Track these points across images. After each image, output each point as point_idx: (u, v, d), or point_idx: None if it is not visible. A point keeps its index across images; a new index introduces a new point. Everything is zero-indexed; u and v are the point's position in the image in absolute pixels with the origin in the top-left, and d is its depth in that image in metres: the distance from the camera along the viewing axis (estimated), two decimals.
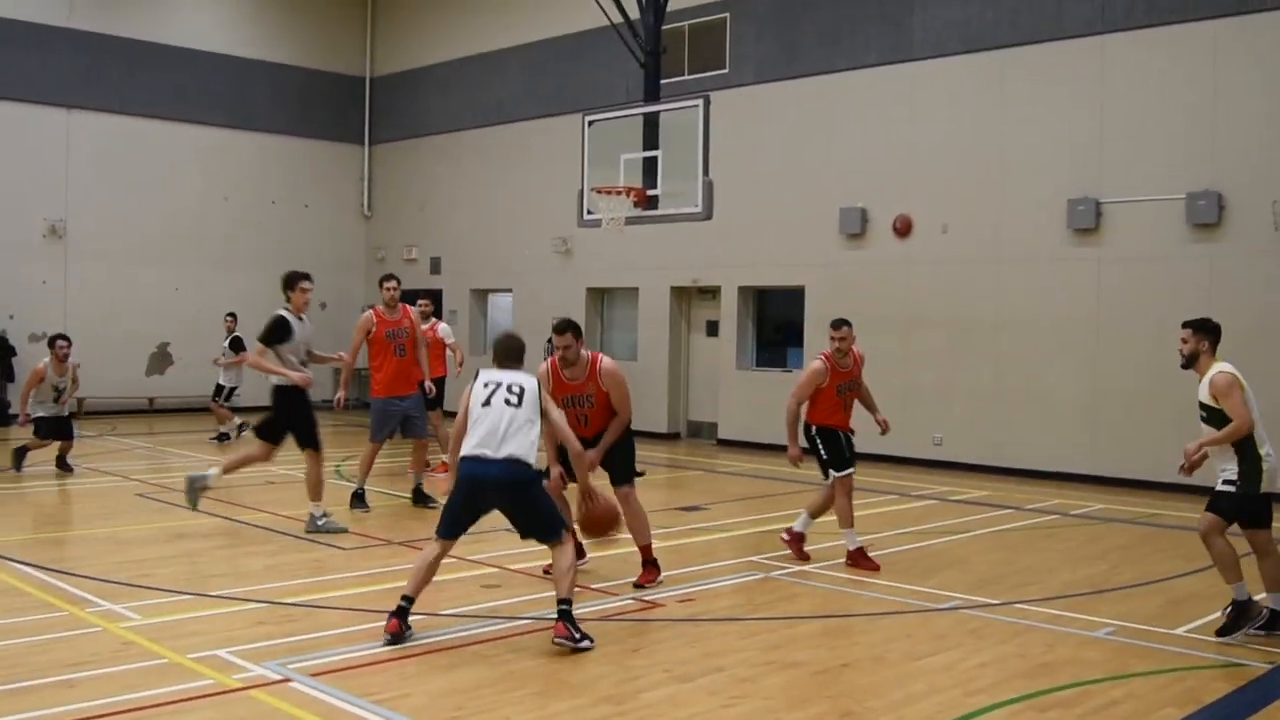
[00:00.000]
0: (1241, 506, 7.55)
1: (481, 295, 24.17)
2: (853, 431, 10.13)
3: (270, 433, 11.08)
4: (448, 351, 15.82)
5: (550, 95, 22.28)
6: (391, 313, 12.52)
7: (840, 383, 9.94)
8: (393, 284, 12.75)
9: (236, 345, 18.41)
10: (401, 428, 12.55)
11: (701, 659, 6.99)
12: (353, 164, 26.52)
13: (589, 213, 14.80)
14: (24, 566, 9.19)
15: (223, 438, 18.44)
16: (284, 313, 11.05)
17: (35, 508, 12.47)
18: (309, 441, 11.07)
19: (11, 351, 21.39)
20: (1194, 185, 14.50)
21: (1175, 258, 14.69)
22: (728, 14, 19.41)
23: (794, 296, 18.68)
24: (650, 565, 9.04)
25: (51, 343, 14.93)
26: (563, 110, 21.37)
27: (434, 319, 15.95)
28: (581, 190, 14.85)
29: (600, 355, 8.95)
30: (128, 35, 23.14)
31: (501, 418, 7.24)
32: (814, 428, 10.00)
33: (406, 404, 12.43)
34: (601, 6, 15.85)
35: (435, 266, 24.92)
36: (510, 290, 23.18)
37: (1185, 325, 7.93)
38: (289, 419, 11.03)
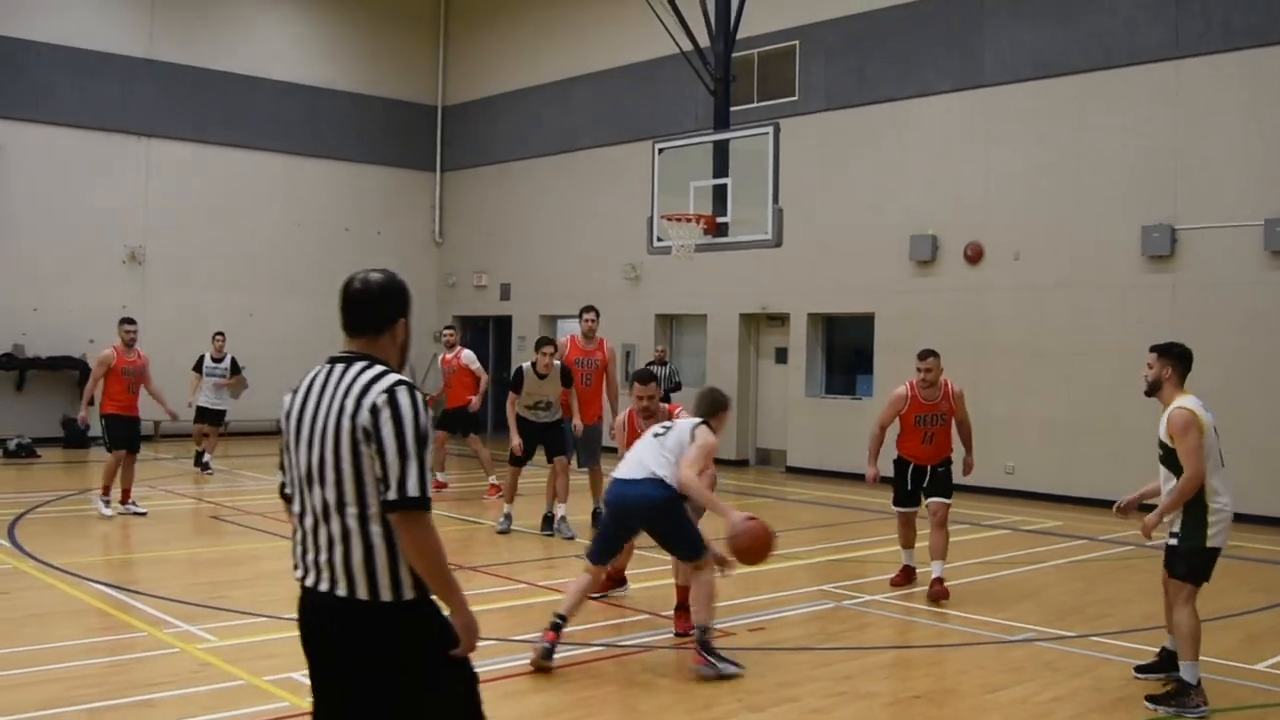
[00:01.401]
0: (1191, 564, 6.78)
1: (550, 321, 24.30)
2: (941, 465, 9.91)
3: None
4: (473, 379, 16.00)
5: (620, 123, 22.41)
6: (588, 343, 12.86)
7: (920, 413, 9.80)
8: (591, 315, 12.98)
9: (235, 366, 18.27)
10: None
11: (774, 688, 6.96)
12: (424, 191, 26.82)
13: (659, 240, 14.85)
14: (103, 587, 9.37)
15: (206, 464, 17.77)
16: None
17: (114, 529, 12.66)
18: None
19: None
20: (1272, 211, 14.27)
21: (1252, 284, 14.45)
22: (797, 41, 19.43)
23: (864, 324, 18.60)
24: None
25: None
26: (632, 138, 21.48)
27: (459, 347, 16.28)
28: (651, 217, 14.90)
29: (679, 407, 8.88)
30: (204, 65, 23.58)
31: (648, 445, 7.49)
32: (895, 455, 9.99)
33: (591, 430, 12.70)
34: (671, 34, 15.92)
35: (505, 293, 25.10)
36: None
37: (1152, 349, 7.46)
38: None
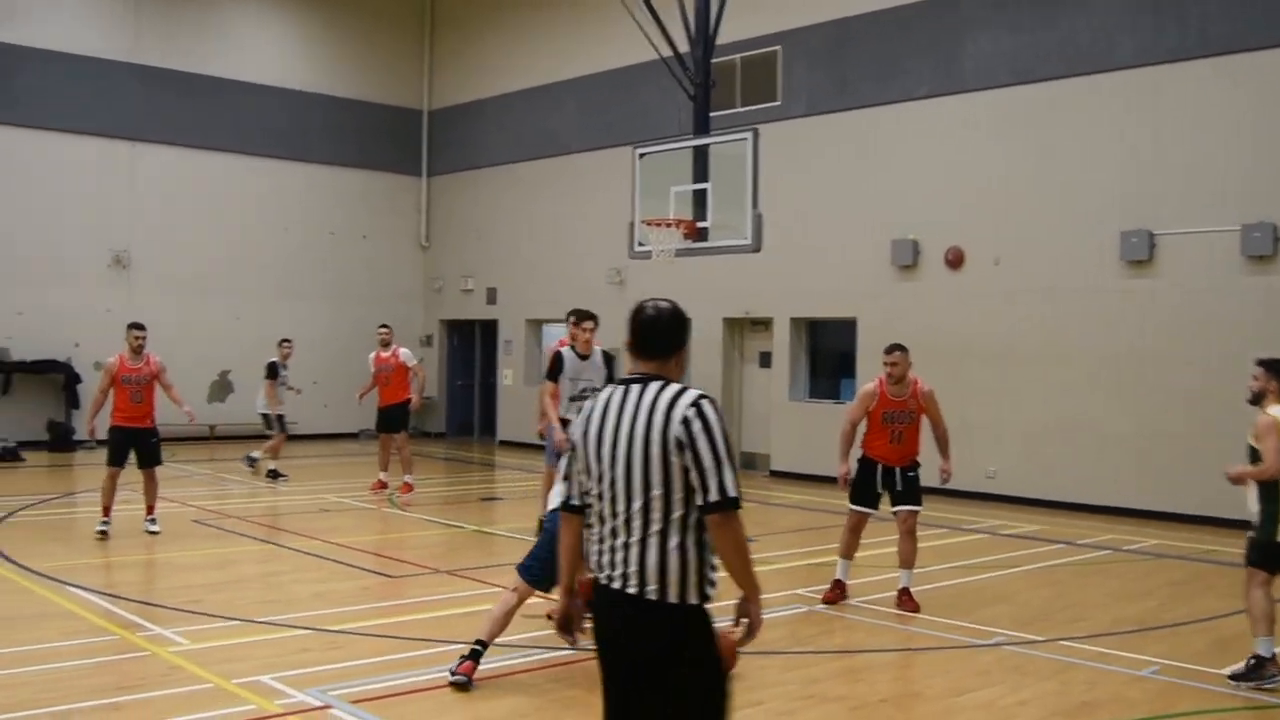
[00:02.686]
0: (1263, 553, 7.49)
1: (536, 325, 24.34)
2: (910, 468, 9.80)
3: None
4: (410, 376, 16.20)
5: (603, 127, 22.46)
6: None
7: (888, 410, 9.74)
8: (590, 325, 12.21)
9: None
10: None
11: (741, 692, 6.91)
12: (410, 195, 26.84)
13: (640, 244, 14.89)
14: (79, 590, 9.39)
15: (274, 474, 17.65)
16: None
17: (93, 531, 12.63)
18: None
19: (77, 379, 21.81)
20: (1249, 216, 14.34)
21: (1230, 290, 14.53)
22: (779, 46, 19.49)
23: (846, 328, 18.65)
24: None
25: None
26: (615, 142, 21.52)
27: (394, 345, 16.41)
28: (633, 222, 14.94)
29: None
30: (190, 70, 23.59)
31: None
32: (860, 454, 9.91)
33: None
34: (651, 41, 15.97)
35: (491, 297, 25.13)
36: (565, 320, 23.27)
37: (1259, 363, 7.72)
38: None
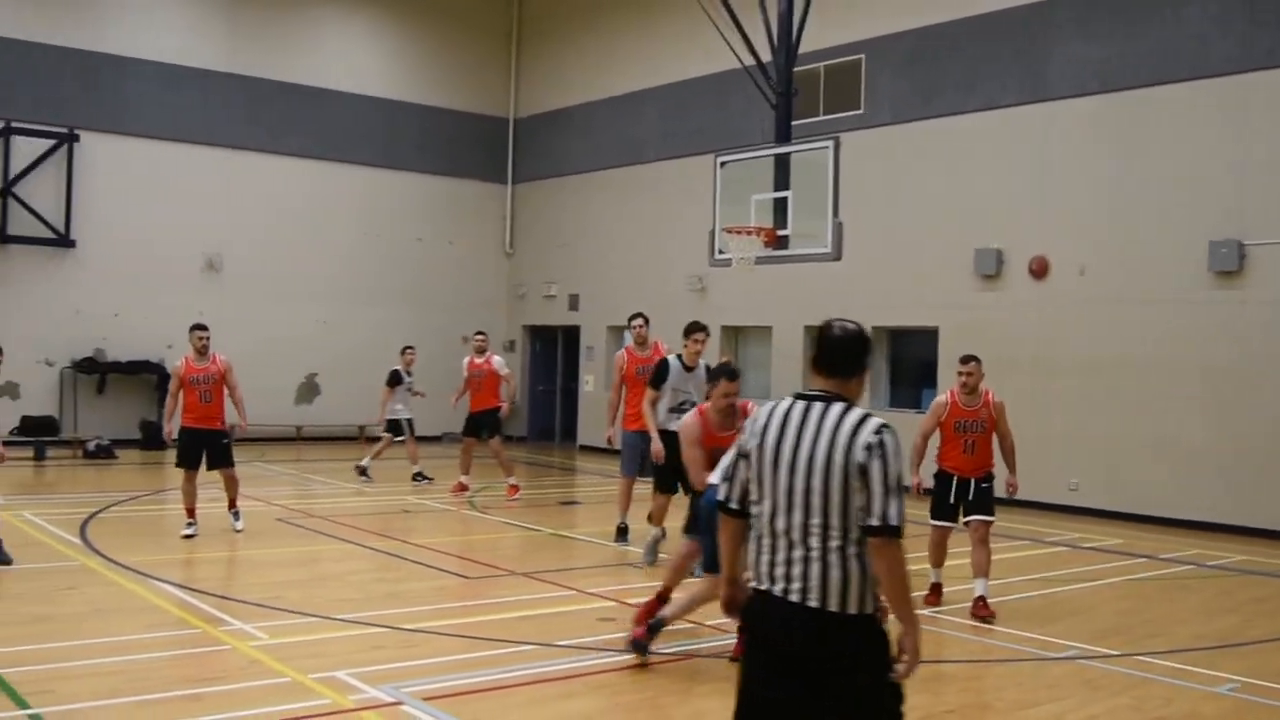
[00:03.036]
0: None
1: (617, 332, 24.44)
2: (984, 479, 9.83)
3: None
4: (502, 384, 16.46)
5: (686, 136, 22.54)
6: (642, 350, 12.61)
7: (960, 419, 9.74)
8: (639, 322, 12.81)
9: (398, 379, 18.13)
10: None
11: None
12: (496, 202, 27.13)
13: (720, 252, 14.96)
14: (165, 585, 9.65)
15: (420, 476, 17.58)
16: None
17: (180, 534, 12.93)
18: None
19: (169, 379, 22.29)
20: None
21: None
22: (863, 55, 19.43)
23: (928, 338, 18.52)
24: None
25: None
26: (698, 150, 21.56)
27: (489, 352, 16.62)
28: (713, 230, 15.00)
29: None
30: (285, 79, 24.12)
31: None
32: (935, 468, 9.93)
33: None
34: (734, 49, 16.03)
35: (574, 303, 25.32)
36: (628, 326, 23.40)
37: None
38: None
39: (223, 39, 23.47)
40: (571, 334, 25.82)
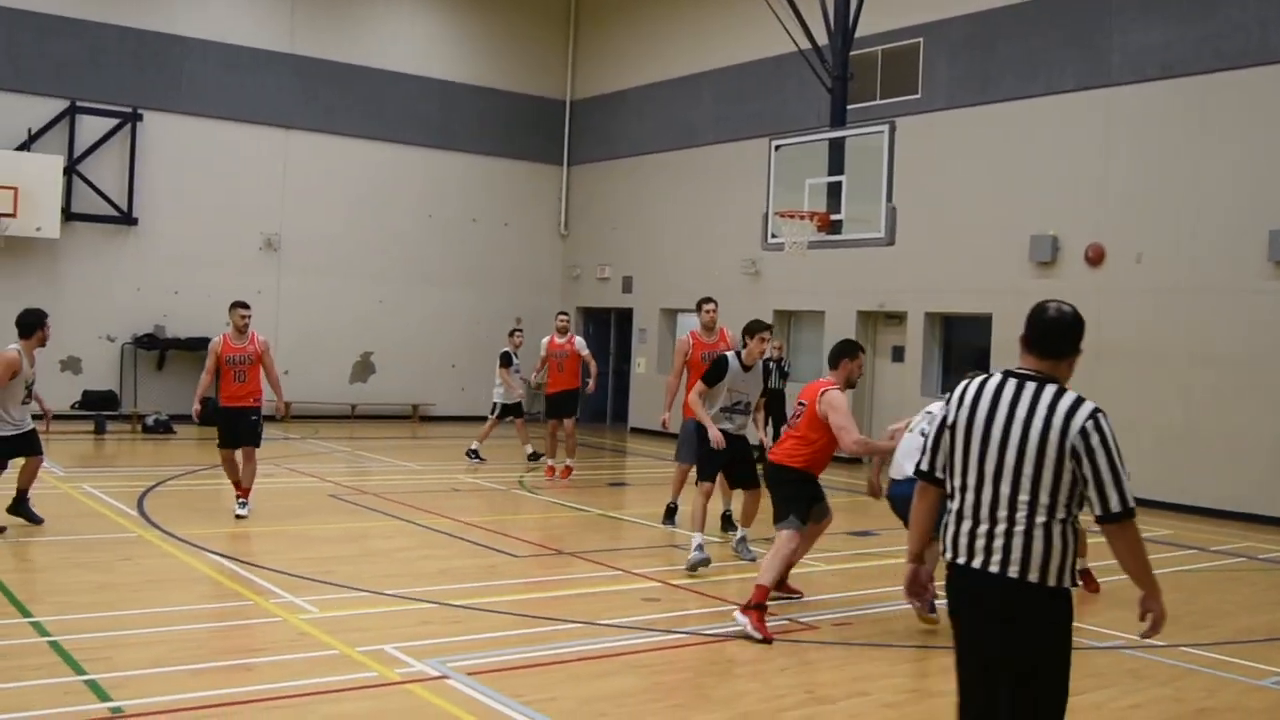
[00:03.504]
0: None
1: (670, 315, 24.50)
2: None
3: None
4: (583, 365, 16.48)
5: (741, 119, 22.51)
6: (709, 335, 12.58)
7: None
8: (711, 306, 12.65)
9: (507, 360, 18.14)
10: None
11: (848, 682, 7.07)
12: (551, 184, 27.23)
13: (773, 236, 14.95)
14: (218, 557, 9.84)
15: (535, 456, 17.52)
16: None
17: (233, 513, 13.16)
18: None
19: None
20: None
21: None
22: (921, 39, 19.30)
23: (982, 324, 18.40)
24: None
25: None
26: (753, 134, 21.55)
27: (570, 333, 16.59)
28: (767, 214, 14.99)
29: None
30: (342, 60, 24.32)
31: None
32: None
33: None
34: (789, 33, 15.97)
35: (627, 285, 25.38)
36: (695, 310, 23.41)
37: None
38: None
39: (282, 20, 23.69)
40: (624, 316, 25.90)
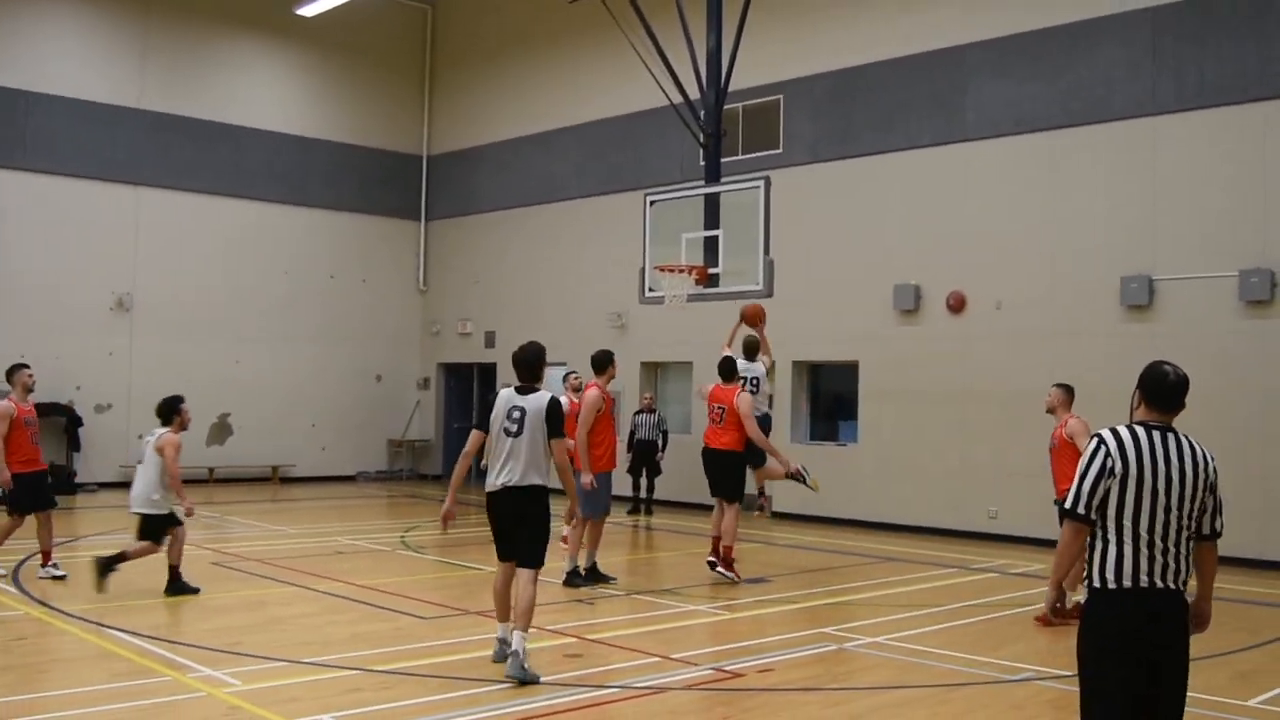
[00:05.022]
0: None
1: None
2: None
3: None
4: None
5: (605, 173, 22.79)
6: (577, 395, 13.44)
7: None
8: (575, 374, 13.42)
9: None
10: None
11: None
12: (408, 239, 27.08)
13: (650, 290, 15.12)
14: (118, 632, 9.50)
15: None
16: None
17: (117, 575, 12.69)
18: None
19: (79, 422, 21.89)
20: (1246, 262, 14.73)
21: (1228, 333, 14.88)
22: (781, 95, 19.88)
23: (848, 371, 18.93)
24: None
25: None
26: (617, 188, 21.88)
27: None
28: (643, 268, 15.16)
29: None
30: (194, 115, 23.85)
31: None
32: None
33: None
34: (662, 87, 16.25)
35: (489, 340, 25.34)
36: (564, 364, 23.47)
37: None
38: None
39: (132, 74, 23.15)
40: (488, 371, 25.81)
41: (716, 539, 12.74)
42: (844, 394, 19.34)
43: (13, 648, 9.03)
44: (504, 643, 8.52)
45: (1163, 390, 4.95)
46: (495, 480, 8.64)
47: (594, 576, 12.48)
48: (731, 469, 12.73)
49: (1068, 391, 11.43)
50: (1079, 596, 10.35)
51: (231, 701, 7.46)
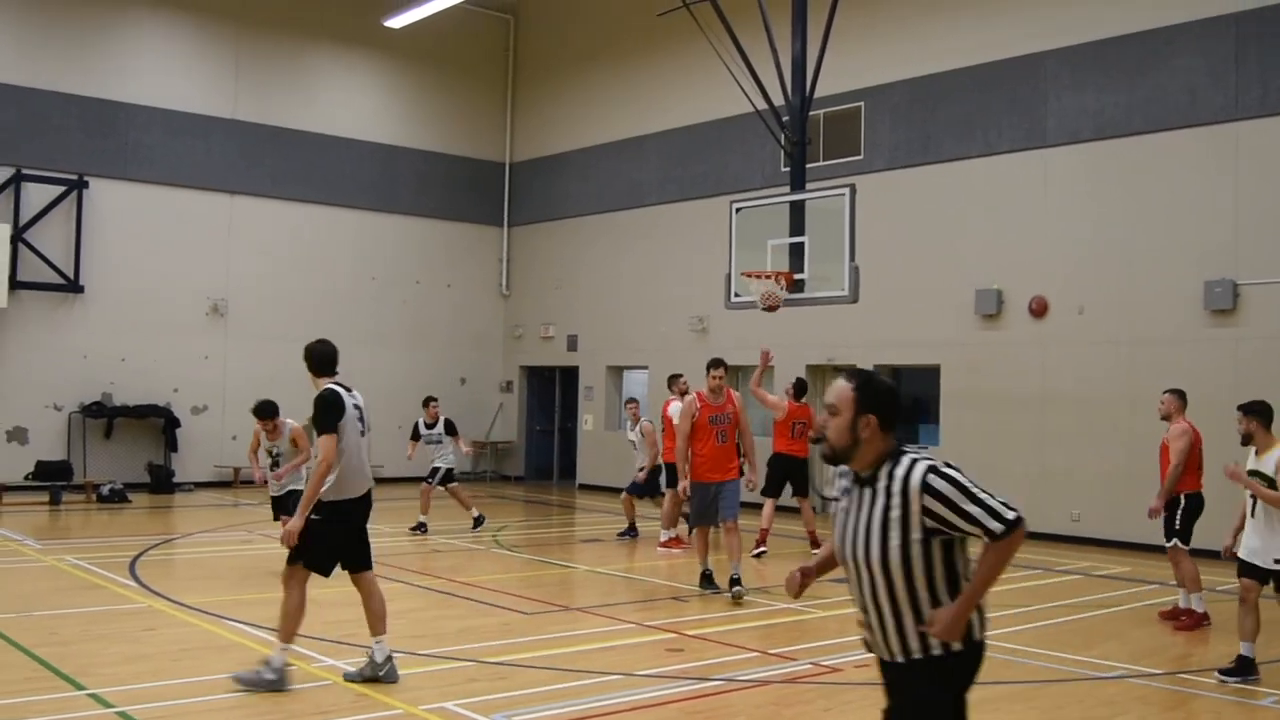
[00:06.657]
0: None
1: (616, 372, 24.94)
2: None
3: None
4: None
5: (687, 180, 23.13)
6: (716, 398, 12.47)
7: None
8: (720, 371, 12.61)
9: (451, 428, 17.66)
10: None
11: None
12: (492, 245, 27.61)
13: (737, 295, 15.41)
14: (238, 624, 9.99)
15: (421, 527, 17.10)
16: None
17: (226, 570, 13.26)
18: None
19: (176, 423, 22.60)
20: None
21: None
22: (862, 103, 20.11)
23: (929, 375, 19.12)
24: None
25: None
26: (699, 194, 22.23)
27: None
28: (729, 273, 15.44)
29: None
30: (285, 125, 24.54)
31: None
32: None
33: (720, 488, 12.24)
34: (748, 95, 16.53)
35: (572, 344, 25.78)
36: (646, 367, 23.90)
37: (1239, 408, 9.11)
38: None
39: (226, 86, 23.87)
40: (569, 374, 26.27)
41: (813, 533, 14.92)
42: (925, 397, 19.53)
43: (143, 638, 9.55)
44: None
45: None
46: (367, 484, 8.62)
47: (706, 582, 12.36)
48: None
49: (1180, 397, 11.39)
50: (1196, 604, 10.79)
51: (358, 689, 7.89)
